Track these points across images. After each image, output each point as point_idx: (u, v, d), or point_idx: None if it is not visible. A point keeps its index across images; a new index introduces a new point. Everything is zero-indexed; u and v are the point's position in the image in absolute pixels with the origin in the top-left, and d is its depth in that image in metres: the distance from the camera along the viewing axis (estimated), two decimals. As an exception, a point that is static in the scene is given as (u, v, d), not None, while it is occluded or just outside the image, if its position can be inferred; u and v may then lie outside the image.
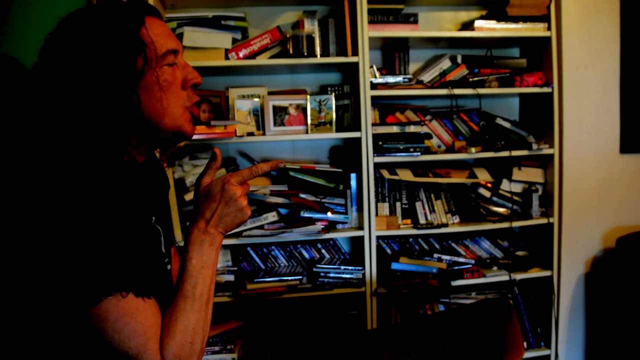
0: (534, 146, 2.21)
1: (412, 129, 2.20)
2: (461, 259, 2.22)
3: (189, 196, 2.01)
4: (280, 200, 2.10)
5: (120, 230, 0.77)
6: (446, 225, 2.22)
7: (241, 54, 2.06)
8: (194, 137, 1.95)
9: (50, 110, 0.79)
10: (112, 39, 0.79)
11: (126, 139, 0.86)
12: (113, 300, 0.74)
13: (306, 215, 2.10)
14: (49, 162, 0.77)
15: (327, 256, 2.26)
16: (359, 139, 2.10)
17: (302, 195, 2.11)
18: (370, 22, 2.11)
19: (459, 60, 2.25)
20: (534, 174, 2.32)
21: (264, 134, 2.13)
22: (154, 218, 0.95)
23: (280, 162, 0.93)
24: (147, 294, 0.79)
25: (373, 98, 2.13)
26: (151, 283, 0.81)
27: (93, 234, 0.74)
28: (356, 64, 2.07)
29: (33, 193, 0.74)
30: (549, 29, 2.21)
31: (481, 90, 2.19)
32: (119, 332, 0.75)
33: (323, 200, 2.15)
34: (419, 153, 2.13)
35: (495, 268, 2.21)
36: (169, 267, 1.01)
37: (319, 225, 2.07)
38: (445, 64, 2.26)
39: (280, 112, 2.14)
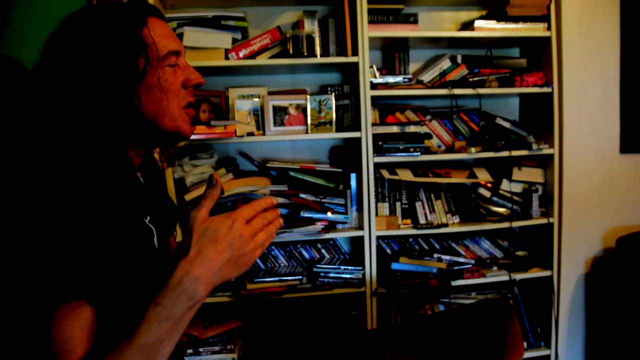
0: (534, 146, 2.21)
1: (412, 129, 2.20)
2: (461, 259, 2.22)
3: (189, 196, 2.01)
4: (280, 200, 2.10)
5: (92, 233, 0.74)
6: (446, 225, 2.22)
7: (241, 54, 2.06)
8: (194, 137, 1.96)
9: (50, 110, 0.79)
10: (113, 39, 0.79)
11: (125, 139, 0.86)
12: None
13: (306, 215, 2.10)
14: (41, 161, 0.76)
15: (327, 256, 2.26)
16: (359, 139, 2.10)
17: (302, 195, 2.11)
18: (370, 22, 2.11)
19: (459, 60, 2.25)
20: (534, 174, 2.32)
21: (264, 134, 2.14)
22: (148, 217, 0.93)
23: (273, 199, 0.83)
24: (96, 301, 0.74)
25: (373, 98, 2.13)
26: (115, 290, 0.76)
27: (53, 240, 0.70)
28: (356, 64, 2.07)
29: (13, 191, 0.73)
30: (549, 29, 2.21)
31: (481, 90, 2.19)
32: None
33: (323, 200, 2.15)
34: (419, 153, 2.13)
35: (495, 268, 2.21)
36: None
37: (319, 225, 2.07)
38: (445, 64, 2.26)
39: (280, 112, 2.14)
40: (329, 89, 2.28)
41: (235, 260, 0.74)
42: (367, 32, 2.06)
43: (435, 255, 2.20)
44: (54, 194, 0.73)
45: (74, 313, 0.71)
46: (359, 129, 2.10)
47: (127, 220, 0.83)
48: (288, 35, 2.08)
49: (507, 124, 2.30)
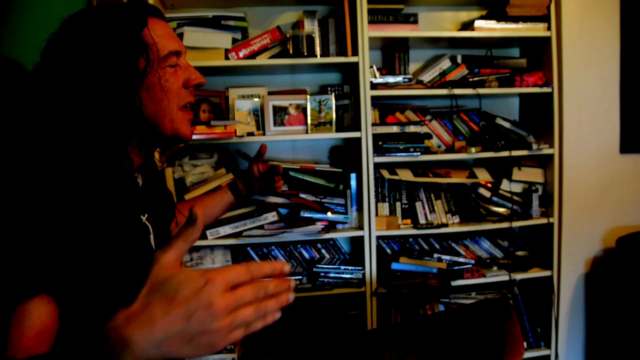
0: (534, 146, 2.21)
1: (412, 129, 2.20)
2: (461, 259, 2.22)
3: (189, 196, 2.01)
4: (280, 200, 2.10)
5: (75, 230, 0.72)
6: (446, 225, 2.22)
7: (241, 54, 2.06)
8: (194, 137, 1.96)
9: (50, 111, 0.79)
10: (114, 40, 0.79)
11: (126, 140, 0.86)
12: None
13: (306, 215, 2.10)
14: (36, 161, 0.75)
15: (327, 256, 2.26)
16: (359, 139, 2.10)
17: (302, 195, 2.11)
18: (370, 22, 2.11)
19: (459, 60, 2.25)
20: (534, 174, 2.32)
21: (264, 134, 2.14)
22: (146, 215, 0.93)
23: (284, 265, 0.63)
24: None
25: (373, 98, 2.13)
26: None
27: (27, 235, 0.69)
28: (356, 64, 2.07)
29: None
30: (549, 29, 2.21)
31: (481, 90, 2.19)
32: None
33: (323, 200, 2.15)
34: (419, 153, 2.13)
35: (495, 268, 2.21)
36: None
37: (319, 225, 2.07)
38: (445, 64, 2.26)
39: (280, 112, 2.14)
40: (329, 89, 2.28)
41: (190, 337, 0.52)
42: (367, 32, 2.06)
43: (435, 255, 2.20)
44: (42, 192, 0.72)
45: (29, 307, 0.68)
46: (359, 129, 2.10)
47: (119, 218, 0.82)
48: (288, 35, 2.08)
49: (507, 124, 2.30)
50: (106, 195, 0.79)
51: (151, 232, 0.94)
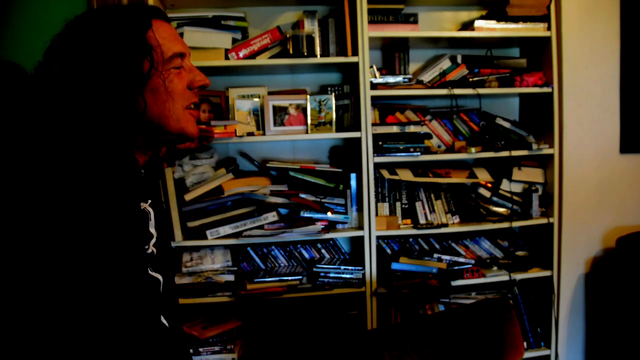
0: (534, 146, 2.21)
1: (412, 129, 2.20)
2: (461, 259, 2.22)
3: (189, 196, 2.01)
4: (280, 200, 2.10)
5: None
6: (446, 225, 2.22)
7: (241, 54, 2.06)
8: (194, 137, 1.96)
9: (52, 111, 0.79)
10: (118, 42, 0.79)
11: (131, 141, 0.86)
12: None
13: (306, 215, 2.10)
14: (37, 159, 0.76)
15: (327, 256, 2.26)
16: (359, 139, 2.10)
17: (302, 195, 2.11)
18: (370, 22, 2.11)
19: (459, 60, 2.25)
20: (534, 174, 2.32)
21: (264, 134, 2.14)
22: (149, 201, 0.94)
23: None
24: None
25: (373, 98, 2.13)
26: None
27: None
28: (356, 64, 2.07)
29: None
30: (549, 29, 2.21)
31: (481, 90, 2.19)
32: None
33: (323, 200, 2.15)
34: (419, 153, 2.13)
35: (495, 268, 2.21)
36: (151, 247, 0.97)
37: (319, 225, 2.07)
38: (445, 64, 2.26)
39: (280, 112, 2.14)
40: (329, 89, 2.28)
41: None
42: (367, 32, 2.05)
43: (435, 255, 2.20)
44: (40, 180, 0.73)
45: None
46: (359, 129, 2.10)
47: (113, 203, 0.82)
48: (288, 35, 2.08)
49: (507, 124, 2.30)
50: (102, 183, 0.79)
51: (151, 218, 0.95)
